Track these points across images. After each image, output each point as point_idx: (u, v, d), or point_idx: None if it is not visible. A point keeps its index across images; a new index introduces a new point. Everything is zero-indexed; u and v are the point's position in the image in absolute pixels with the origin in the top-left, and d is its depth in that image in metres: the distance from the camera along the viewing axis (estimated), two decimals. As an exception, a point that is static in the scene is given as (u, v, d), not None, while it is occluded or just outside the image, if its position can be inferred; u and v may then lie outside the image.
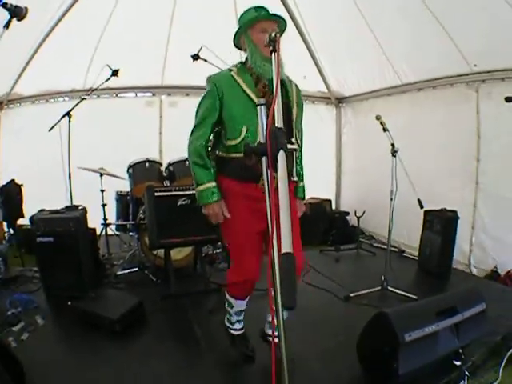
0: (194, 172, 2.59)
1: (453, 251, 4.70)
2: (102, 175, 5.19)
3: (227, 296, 2.94)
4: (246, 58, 2.68)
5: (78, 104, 4.95)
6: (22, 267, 5.09)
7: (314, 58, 6.48)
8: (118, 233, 5.62)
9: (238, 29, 2.65)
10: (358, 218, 5.82)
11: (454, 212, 4.67)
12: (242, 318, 3.04)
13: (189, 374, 2.96)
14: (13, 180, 5.68)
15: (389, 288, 4.20)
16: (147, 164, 5.20)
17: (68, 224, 4.21)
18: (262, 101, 1.79)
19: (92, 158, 5.43)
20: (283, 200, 1.30)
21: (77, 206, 4.69)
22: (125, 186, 5.45)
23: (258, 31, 2.55)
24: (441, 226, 4.63)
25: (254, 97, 2.49)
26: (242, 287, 2.78)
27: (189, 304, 4.13)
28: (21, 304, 4.05)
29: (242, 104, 2.52)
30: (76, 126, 5.02)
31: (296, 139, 2.65)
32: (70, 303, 3.85)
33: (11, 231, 5.75)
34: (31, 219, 4.47)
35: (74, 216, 4.30)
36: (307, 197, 6.68)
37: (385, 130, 4.21)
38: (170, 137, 6.71)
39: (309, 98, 7.16)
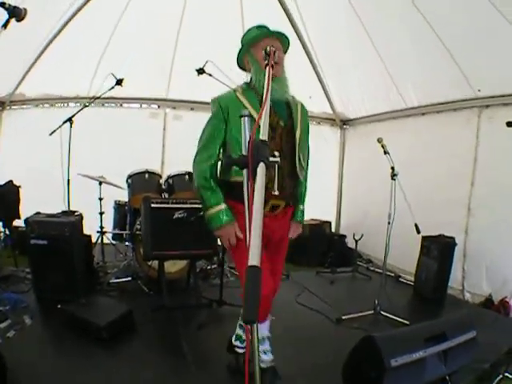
0: (201, 196, 2.50)
1: (448, 277, 4.65)
2: (101, 183, 5.19)
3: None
4: (251, 78, 2.62)
5: (80, 111, 4.96)
6: (14, 268, 5.07)
7: (320, 79, 6.50)
8: (114, 242, 5.58)
9: (241, 48, 2.61)
10: (356, 241, 5.76)
11: (452, 238, 4.64)
12: (268, 347, 2.81)
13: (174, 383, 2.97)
14: (10, 181, 5.67)
15: (381, 312, 4.13)
16: (146, 175, 5.18)
17: (63, 228, 4.21)
18: (246, 112, 1.76)
19: (93, 165, 5.48)
20: (257, 213, 1.21)
21: (73, 212, 4.66)
22: (123, 195, 5.41)
23: (262, 49, 2.33)
24: (438, 251, 4.58)
25: (256, 117, 2.24)
26: (264, 305, 2.49)
27: (179, 317, 4.07)
28: (9, 303, 4.02)
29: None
30: (79, 132, 5.03)
31: (300, 162, 2.57)
32: (59, 306, 3.81)
33: (7, 231, 5.72)
34: (26, 221, 4.42)
35: (70, 221, 4.29)
36: (307, 218, 6.70)
37: (385, 152, 4.19)
38: (173, 149, 6.72)
39: (314, 119, 7.16)
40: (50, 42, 5.72)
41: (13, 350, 3.13)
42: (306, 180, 2.83)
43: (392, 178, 4.11)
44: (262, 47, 2.36)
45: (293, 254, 6.65)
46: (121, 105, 6.81)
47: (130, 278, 4.89)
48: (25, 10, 2.18)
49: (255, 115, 2.32)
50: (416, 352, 2.56)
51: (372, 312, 4.15)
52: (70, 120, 4.89)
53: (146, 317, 4.02)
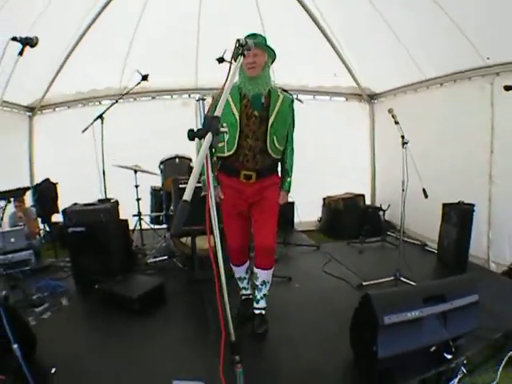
0: (199, 167, 2.88)
1: (469, 244, 4.45)
2: (136, 172, 5.38)
3: (231, 266, 3.41)
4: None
5: (109, 107, 5.13)
6: (54, 259, 5.33)
7: (340, 56, 6.33)
8: (152, 226, 5.76)
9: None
10: (384, 211, 5.67)
11: (471, 205, 4.44)
12: (245, 285, 3.56)
13: (191, 348, 3.15)
14: (47, 179, 5.94)
15: (401, 279, 4.09)
16: (177, 160, 5.33)
17: (98, 215, 4.42)
18: (201, 96, 2.53)
19: (131, 155, 5.61)
20: (196, 166, 1.59)
21: (109, 199, 4.89)
22: (159, 181, 5.60)
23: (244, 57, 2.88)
24: (457, 218, 4.43)
25: (235, 111, 3.01)
26: (232, 254, 3.34)
27: (209, 289, 4.14)
28: (47, 289, 4.30)
29: (227, 116, 2.99)
30: (114, 125, 5.23)
31: (273, 143, 3.07)
32: (96, 286, 4.04)
33: (47, 228, 6.01)
34: (63, 212, 4.65)
35: (105, 207, 4.51)
36: (341, 192, 6.63)
37: (396, 122, 4.17)
38: None
39: (342, 95, 7.11)
40: (76, 44, 5.90)
41: (47, 328, 3.42)
42: (290, 156, 3.32)
43: (403, 147, 4.07)
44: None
45: (328, 227, 6.72)
46: (153, 98, 6.94)
47: (166, 257, 5.06)
48: (36, 38, 2.43)
49: (233, 107, 3.01)
50: (411, 311, 2.52)
51: (392, 278, 4.11)
52: (100, 117, 5.07)
53: (177, 290, 4.23)
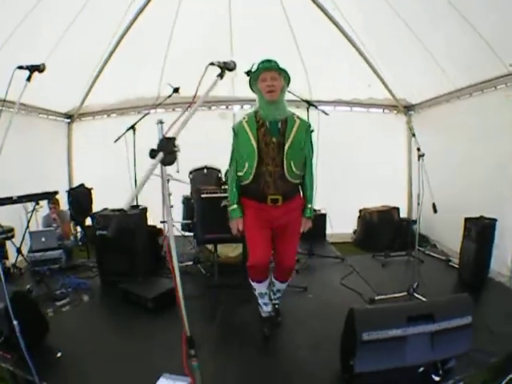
0: (229, 194, 3.31)
1: (489, 260, 4.16)
2: (168, 181, 5.47)
3: (251, 282, 3.37)
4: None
5: (141, 119, 5.31)
6: (86, 259, 5.59)
7: (373, 68, 6.15)
8: (183, 233, 5.84)
9: (250, 79, 3.16)
10: (413, 224, 5.44)
11: (493, 220, 4.14)
12: (266, 300, 3.47)
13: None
14: (82, 184, 6.19)
15: (414, 294, 3.90)
16: (205, 170, 5.47)
17: (125, 220, 4.40)
18: (161, 120, 3.10)
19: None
20: (141, 180, 1.63)
21: (138, 206, 5.05)
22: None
23: (261, 81, 3.05)
24: (476, 233, 4.14)
25: (253, 140, 3.06)
26: (253, 270, 3.22)
27: (226, 295, 4.29)
28: (71, 285, 4.50)
29: (246, 146, 3.10)
30: (149, 134, 5.32)
31: (291, 168, 3.07)
32: (120, 286, 4.26)
33: (78, 229, 6.33)
34: (92, 216, 4.89)
35: (132, 213, 4.71)
36: (377, 204, 6.43)
37: (413, 135, 4.12)
38: None
39: (379, 107, 6.94)
40: (111, 53, 6.03)
41: (63, 320, 3.67)
42: (309, 182, 3.30)
43: (418, 159, 3.99)
44: (262, 79, 3.04)
45: (362, 239, 6.55)
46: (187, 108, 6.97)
47: (191, 263, 5.16)
48: (43, 64, 2.61)
49: (251, 136, 3.08)
50: (393, 329, 2.41)
51: (405, 294, 3.93)
52: (132, 127, 5.27)
53: (195, 294, 4.33)
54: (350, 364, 2.45)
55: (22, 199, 4.68)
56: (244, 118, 3.21)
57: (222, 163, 6.04)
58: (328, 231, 6.65)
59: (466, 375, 2.64)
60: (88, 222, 6.18)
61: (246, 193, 3.22)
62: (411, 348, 2.45)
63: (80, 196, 6.10)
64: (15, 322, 2.56)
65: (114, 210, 4.85)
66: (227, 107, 7.09)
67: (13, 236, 4.97)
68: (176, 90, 5.28)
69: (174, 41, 5.99)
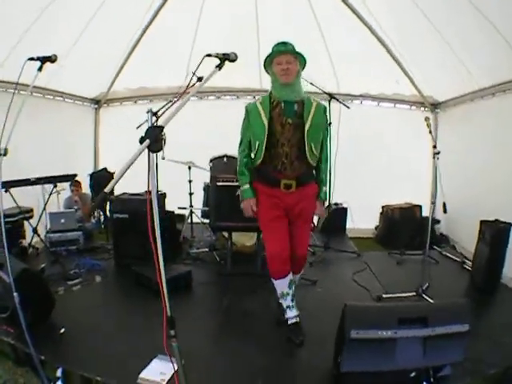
0: (238, 177, 3.22)
1: (502, 265, 3.95)
2: (190, 168, 5.59)
3: (272, 281, 3.14)
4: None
5: (164, 106, 5.20)
6: (104, 242, 5.66)
7: (399, 65, 5.97)
8: (203, 220, 5.89)
9: (265, 61, 3.04)
10: (435, 221, 5.50)
11: (508, 224, 3.93)
12: (290, 303, 3.14)
13: (191, 330, 3.20)
14: (104, 168, 6.32)
15: (423, 295, 3.79)
16: (225, 159, 5.40)
17: (141, 204, 4.63)
18: (150, 109, 2.70)
19: (189, 151, 5.77)
20: (126, 165, 1.59)
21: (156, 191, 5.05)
22: None
23: (276, 64, 2.95)
24: (490, 236, 3.94)
25: (264, 119, 2.96)
26: (273, 264, 3.03)
27: (236, 283, 4.31)
28: (85, 266, 4.58)
29: (257, 126, 3.00)
30: (175, 121, 5.36)
31: (311, 150, 2.99)
32: (133, 268, 4.32)
33: (101, 213, 6.36)
34: (110, 199, 4.95)
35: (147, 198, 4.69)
36: (400, 201, 6.29)
37: (430, 132, 3.95)
38: None
39: (405, 103, 6.75)
40: (138, 40, 6.04)
41: (72, 298, 3.79)
42: (325, 165, 3.24)
43: (433, 157, 3.88)
44: (276, 62, 2.95)
45: (383, 235, 6.43)
46: (218, 97, 7.06)
47: (207, 249, 5.20)
48: (54, 55, 2.67)
49: (263, 117, 2.97)
50: (384, 330, 2.33)
51: (414, 294, 3.82)
52: (155, 114, 5.23)
53: (206, 281, 4.39)
54: (338, 362, 2.41)
55: (40, 181, 4.79)
56: (258, 99, 3.13)
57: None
58: (349, 225, 6.56)
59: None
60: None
61: (259, 176, 3.12)
62: (402, 351, 2.35)
63: (102, 180, 6.22)
64: (15, 294, 2.60)
65: (132, 195, 4.90)
66: (254, 97, 6.85)
67: (31, 217, 5.04)
68: (200, 79, 5.20)
69: (201, 31, 5.96)
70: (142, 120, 5.30)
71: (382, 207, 6.65)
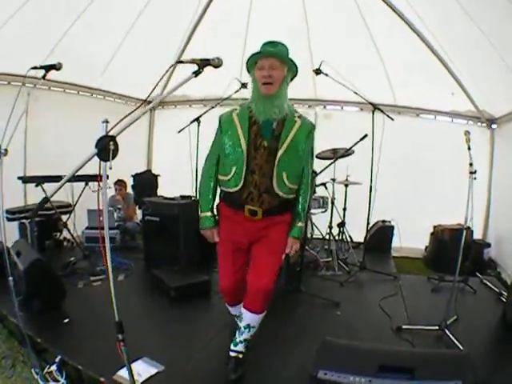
0: (199, 199, 2.62)
1: None
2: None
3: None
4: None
5: (206, 112, 5.06)
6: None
7: (454, 77, 5.29)
8: None
9: (247, 62, 2.40)
10: (486, 245, 4.95)
11: None
12: (238, 336, 2.61)
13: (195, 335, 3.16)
14: (149, 170, 6.28)
15: (445, 330, 3.11)
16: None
17: (173, 209, 4.53)
18: (106, 119, 1.80)
19: None
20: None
21: (191, 197, 4.90)
22: None
23: (258, 68, 2.32)
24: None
25: (242, 142, 2.34)
26: (224, 294, 2.69)
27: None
28: (112, 264, 4.40)
29: (234, 145, 2.37)
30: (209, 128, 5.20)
31: (281, 181, 2.36)
32: (152, 271, 4.22)
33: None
34: (142, 201, 4.85)
35: (179, 203, 4.60)
36: (452, 222, 5.57)
37: (469, 148, 3.45)
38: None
39: (460, 117, 5.98)
40: (185, 46, 6.03)
41: (88, 292, 3.78)
42: (303, 197, 2.54)
43: (469, 177, 3.41)
44: (259, 66, 2.31)
45: (432, 257, 5.72)
46: None
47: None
48: (59, 63, 2.70)
49: (241, 135, 2.35)
50: (358, 376, 1.85)
51: (437, 328, 3.17)
52: (197, 120, 5.06)
53: None
54: None
55: (70, 179, 4.71)
56: (235, 110, 2.47)
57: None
58: (396, 244, 5.87)
59: None
60: None
61: (223, 198, 2.54)
62: None
63: (145, 181, 6.21)
64: (10, 278, 2.61)
65: (166, 198, 4.78)
66: (309, 106, 6.59)
67: (69, 212, 4.99)
68: (244, 85, 4.93)
69: (250, 39, 5.75)
70: (181, 124, 5.22)
71: (434, 227, 5.86)
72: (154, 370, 2.60)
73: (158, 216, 4.58)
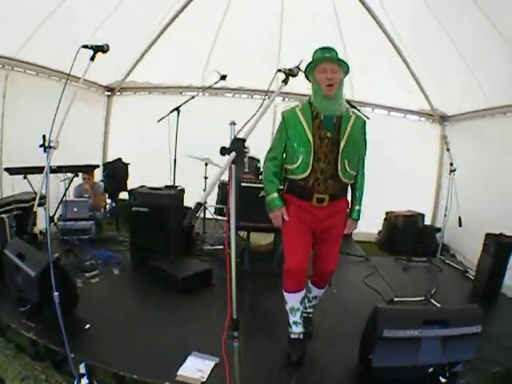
0: (264, 185, 3.15)
1: (502, 277, 4.47)
2: (206, 164, 5.89)
3: (283, 293, 3.18)
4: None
5: (187, 101, 5.58)
6: (115, 233, 5.90)
7: (413, 76, 6.42)
8: (216, 216, 6.14)
9: (308, 66, 2.94)
10: (436, 230, 6.17)
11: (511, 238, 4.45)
12: (297, 319, 3.18)
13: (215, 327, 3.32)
14: (119, 159, 6.48)
15: (431, 300, 4.24)
16: (245, 159, 5.66)
17: (162, 199, 4.93)
18: (233, 121, 2.26)
19: (202, 148, 5.77)
20: (216, 177, 1.88)
21: (176, 187, 5.37)
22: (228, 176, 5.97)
23: (320, 71, 2.88)
24: (494, 249, 4.45)
25: (308, 132, 2.91)
26: (289, 278, 3.06)
27: (254, 281, 4.61)
28: (101, 258, 4.77)
29: (300, 138, 2.93)
30: (189, 116, 5.68)
31: (344, 168, 2.93)
32: (150, 262, 4.56)
33: (113, 204, 6.58)
34: (130, 192, 5.19)
35: (169, 193, 5.04)
36: (404, 208, 6.68)
37: (447, 149, 4.40)
38: None
39: (413, 114, 7.22)
40: (161, 33, 6.37)
41: (92, 292, 3.94)
42: (360, 183, 3.18)
43: (449, 174, 4.32)
44: (321, 69, 2.87)
45: (385, 241, 6.87)
46: (233, 96, 7.39)
47: (221, 247, 5.50)
48: (107, 45, 2.71)
49: (306, 128, 2.92)
50: (411, 330, 2.71)
51: (423, 298, 4.27)
52: (177, 109, 5.52)
53: (224, 277, 4.53)
54: (369, 358, 2.78)
55: (61, 169, 4.75)
56: (297, 106, 3.06)
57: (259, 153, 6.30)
58: (355, 229, 6.98)
59: (469, 380, 2.94)
60: (121, 196, 6.58)
61: (289, 187, 3.09)
62: (424, 349, 2.74)
63: (116, 170, 6.43)
64: (56, 294, 2.56)
65: (151, 188, 5.16)
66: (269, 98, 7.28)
67: (44, 203, 4.73)
68: (223, 78, 5.52)
69: (224, 29, 6.27)
70: (156, 111, 5.60)
71: (386, 213, 7.07)
72: (211, 363, 2.86)
73: (147, 207, 4.99)
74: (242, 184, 4.85)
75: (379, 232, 7.23)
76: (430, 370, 2.86)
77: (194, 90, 6.84)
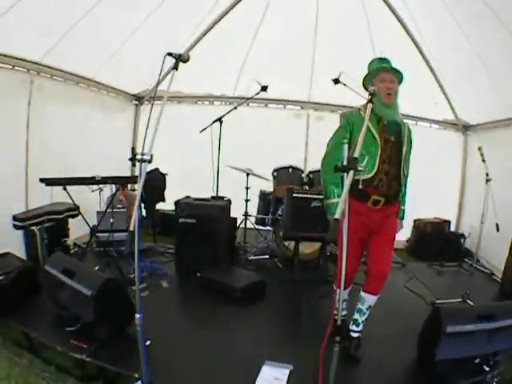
0: (325, 187, 3.31)
1: None
2: (248, 175, 6.20)
3: (334, 288, 3.56)
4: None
5: (229, 112, 5.82)
6: (153, 243, 6.17)
7: (440, 86, 6.86)
8: (257, 226, 6.49)
9: (366, 76, 3.33)
10: (461, 236, 6.76)
11: None
12: (343, 306, 3.18)
13: (283, 339, 3.77)
14: (157, 169, 6.70)
15: (467, 301, 4.81)
16: (290, 170, 6.17)
17: (211, 211, 5.20)
18: (345, 141, 2.63)
19: (240, 158, 6.32)
20: (344, 195, 2.19)
21: (222, 198, 5.63)
22: (267, 186, 6.38)
23: (379, 81, 3.19)
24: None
25: (376, 135, 3.16)
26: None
27: (304, 290, 5.00)
28: (147, 270, 4.84)
29: (368, 137, 3.10)
30: (226, 128, 5.91)
31: (403, 171, 3.28)
32: (199, 274, 4.73)
33: (143, 213, 6.74)
34: (176, 203, 5.32)
35: (218, 205, 5.30)
36: (430, 216, 7.17)
37: (483, 160, 4.96)
38: (315, 147, 7.20)
39: (439, 123, 7.76)
40: (195, 43, 6.65)
41: (144, 306, 3.66)
42: (405, 187, 3.51)
43: (486, 183, 4.90)
44: (380, 79, 3.21)
45: (414, 247, 7.44)
46: (266, 105, 7.86)
47: (267, 256, 5.86)
48: (188, 55, 2.78)
49: (374, 132, 3.17)
50: (469, 324, 3.19)
51: (460, 300, 4.85)
52: (219, 120, 5.80)
53: (277, 287, 5.00)
54: (431, 352, 3.20)
55: (105, 180, 4.78)
56: (360, 109, 3.29)
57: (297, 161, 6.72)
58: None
59: (505, 367, 3.41)
60: (158, 206, 6.76)
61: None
62: (477, 341, 3.22)
63: (154, 180, 6.60)
64: (138, 316, 2.57)
65: (198, 200, 5.41)
66: (301, 108, 7.81)
67: (77, 214, 5.02)
68: (264, 89, 5.80)
69: (258, 40, 6.67)
70: (190, 121, 6.17)
71: (414, 221, 7.60)
72: (286, 371, 2.95)
73: (194, 218, 5.18)
74: (294, 195, 5.17)
75: (408, 239, 7.75)
76: (477, 360, 3.33)
77: (225, 99, 7.35)
